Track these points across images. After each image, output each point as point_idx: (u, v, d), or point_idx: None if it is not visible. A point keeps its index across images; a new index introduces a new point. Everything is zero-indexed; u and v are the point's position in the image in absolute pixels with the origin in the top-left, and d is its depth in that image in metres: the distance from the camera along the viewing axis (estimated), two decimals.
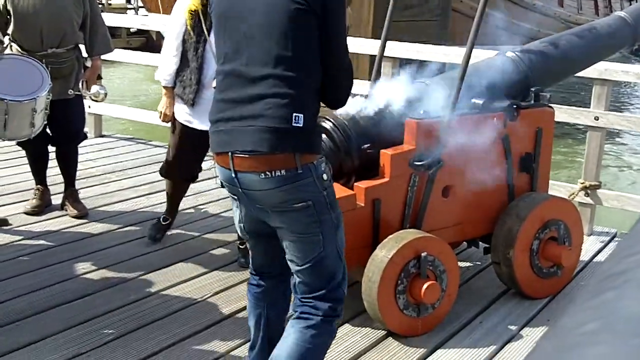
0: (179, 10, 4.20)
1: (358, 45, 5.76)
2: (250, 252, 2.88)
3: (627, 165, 10.27)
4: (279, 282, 2.84)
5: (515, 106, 3.89)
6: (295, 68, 2.40)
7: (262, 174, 2.40)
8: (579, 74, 4.70)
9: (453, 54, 5.38)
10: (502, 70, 4.04)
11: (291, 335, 2.57)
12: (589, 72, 4.78)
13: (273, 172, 2.39)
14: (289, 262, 2.59)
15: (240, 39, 2.48)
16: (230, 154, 2.44)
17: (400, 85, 3.81)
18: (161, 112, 4.41)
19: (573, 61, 4.45)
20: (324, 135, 3.70)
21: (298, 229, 2.48)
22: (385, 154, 3.61)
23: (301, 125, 2.37)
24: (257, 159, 2.39)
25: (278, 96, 2.36)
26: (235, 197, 2.60)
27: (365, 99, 4.02)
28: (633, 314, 0.66)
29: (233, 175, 2.47)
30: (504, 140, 3.91)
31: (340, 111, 3.88)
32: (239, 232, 2.77)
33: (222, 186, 2.66)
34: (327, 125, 3.71)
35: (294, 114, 2.36)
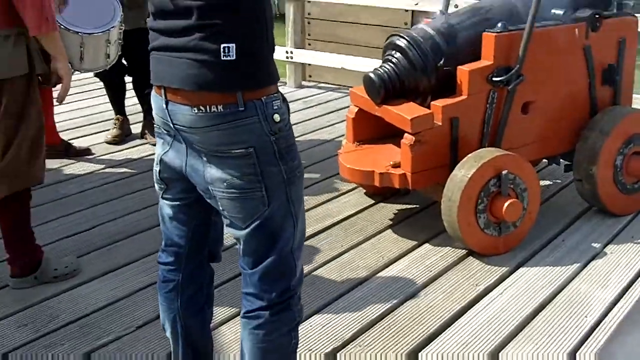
0: None
1: None
2: (161, 219, 2.32)
3: None
4: (197, 266, 2.33)
5: (597, 16, 3.73)
6: None
7: (195, 109, 1.98)
8: None
9: None
10: None
11: (245, 341, 2.15)
12: None
13: (208, 107, 1.97)
14: (229, 229, 2.13)
15: None
16: (163, 87, 2.05)
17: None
18: None
19: None
20: (398, 54, 3.64)
21: (236, 183, 2.01)
22: (463, 71, 3.53)
23: (233, 57, 1.93)
24: (189, 92, 1.99)
25: (202, 27, 1.94)
26: (168, 135, 2.14)
27: (441, 14, 3.93)
28: None
29: (164, 105, 2.05)
30: (586, 52, 3.77)
31: (415, 28, 3.81)
32: (155, 179, 2.26)
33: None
34: (402, 42, 3.63)
35: (223, 45, 1.93)
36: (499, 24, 3.56)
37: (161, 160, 2.18)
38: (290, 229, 2.09)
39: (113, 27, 4.16)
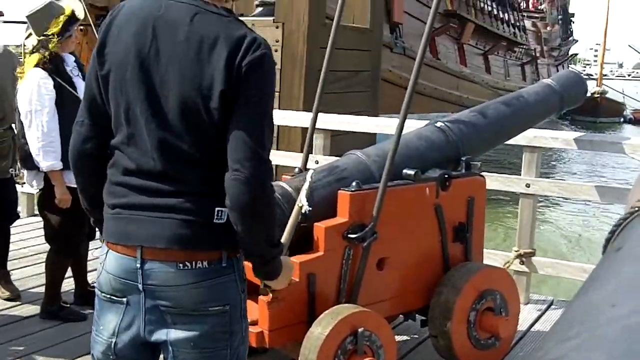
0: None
1: (289, 117, 5.77)
2: None
3: (561, 230, 10.44)
4: None
5: (446, 176, 3.90)
6: (214, 163, 2.01)
7: (180, 264, 2.00)
8: (509, 141, 4.77)
9: (384, 125, 5.43)
10: (433, 141, 4.08)
11: None
12: (519, 139, 4.85)
13: (194, 263, 2.01)
14: None
15: (145, 119, 2.03)
16: (140, 247, 2.03)
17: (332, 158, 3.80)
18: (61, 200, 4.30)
19: (502, 130, 4.51)
20: None
21: (205, 342, 2.04)
22: (319, 227, 3.56)
23: (224, 220, 2.02)
24: (176, 250, 2.02)
25: (197, 192, 2.03)
26: (121, 300, 2.08)
27: (300, 172, 4.01)
28: None
29: (138, 265, 2.01)
30: (437, 210, 3.90)
31: (274, 185, 3.84)
32: (98, 351, 2.13)
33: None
34: None
35: (217, 209, 2.01)
36: (354, 183, 3.66)
37: (118, 333, 2.09)
38: None
39: None
